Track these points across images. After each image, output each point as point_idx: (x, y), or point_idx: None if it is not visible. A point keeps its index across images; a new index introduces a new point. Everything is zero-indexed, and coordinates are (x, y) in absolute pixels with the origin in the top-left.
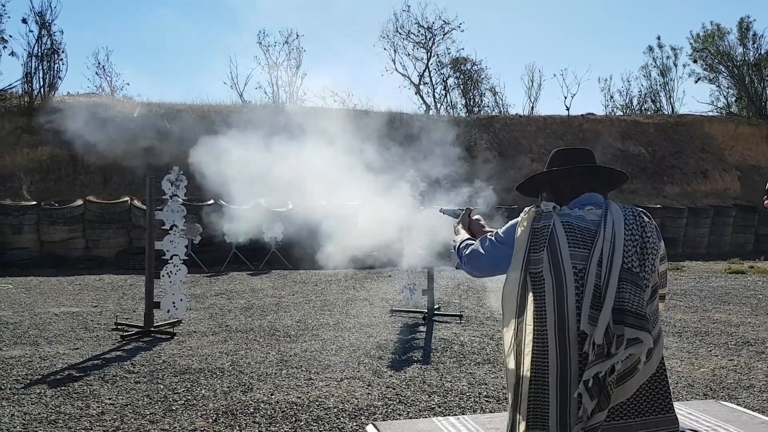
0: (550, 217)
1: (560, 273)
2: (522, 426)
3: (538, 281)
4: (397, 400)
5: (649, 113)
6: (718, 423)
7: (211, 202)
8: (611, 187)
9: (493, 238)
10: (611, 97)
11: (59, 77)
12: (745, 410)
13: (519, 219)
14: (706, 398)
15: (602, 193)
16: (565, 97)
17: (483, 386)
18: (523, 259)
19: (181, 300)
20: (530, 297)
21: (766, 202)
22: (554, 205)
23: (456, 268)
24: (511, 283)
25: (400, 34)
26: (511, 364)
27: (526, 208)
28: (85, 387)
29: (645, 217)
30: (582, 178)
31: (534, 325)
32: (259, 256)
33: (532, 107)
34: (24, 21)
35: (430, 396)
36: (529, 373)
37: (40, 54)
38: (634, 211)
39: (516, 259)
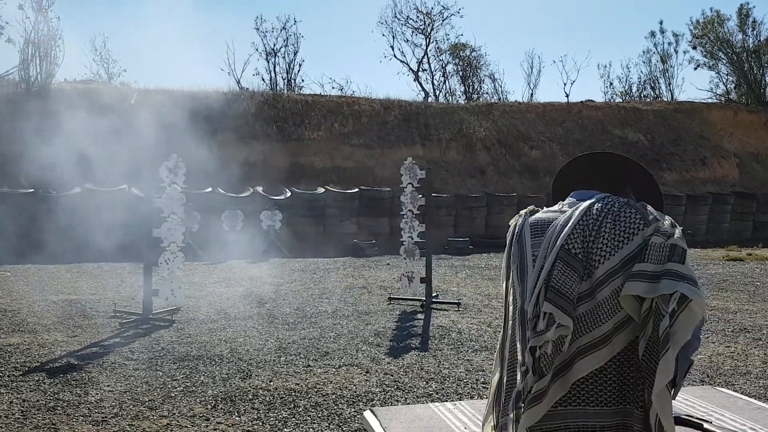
0: (524, 218)
1: (524, 262)
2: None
3: (509, 275)
4: (395, 387)
5: (648, 100)
6: (714, 409)
7: (209, 189)
8: (619, 177)
9: None
10: (611, 83)
11: (56, 64)
12: (741, 396)
13: None
14: (702, 385)
15: (610, 190)
16: (565, 84)
17: (480, 373)
18: (507, 263)
19: (180, 287)
20: (510, 295)
21: None
22: (533, 207)
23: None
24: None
25: (398, 19)
26: (497, 360)
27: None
28: (83, 374)
29: (627, 208)
30: (573, 174)
31: (512, 319)
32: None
33: (532, 94)
34: (20, 7)
35: (427, 382)
36: (500, 361)
37: (36, 40)
38: (612, 201)
39: (504, 258)
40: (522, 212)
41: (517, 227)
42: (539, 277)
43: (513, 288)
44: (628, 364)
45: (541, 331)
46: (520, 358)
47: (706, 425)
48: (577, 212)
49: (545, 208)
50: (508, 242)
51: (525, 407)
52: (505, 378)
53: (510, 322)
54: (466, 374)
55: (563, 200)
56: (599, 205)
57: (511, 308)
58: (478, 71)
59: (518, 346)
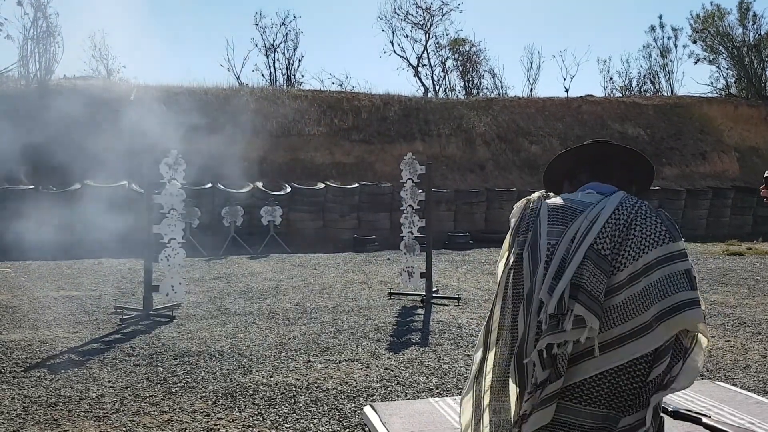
0: (539, 202)
1: (537, 248)
2: (486, 398)
3: (518, 260)
4: (395, 382)
5: (648, 95)
6: (713, 403)
7: (209, 185)
8: (633, 176)
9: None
10: (610, 78)
11: (55, 60)
12: (740, 390)
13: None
14: (701, 379)
15: (621, 187)
16: (564, 79)
17: None
18: (511, 244)
19: (180, 283)
20: (511, 277)
21: (763, 191)
22: (545, 193)
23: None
24: (500, 269)
25: (398, 15)
26: (481, 339)
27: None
28: (84, 370)
29: (655, 216)
30: (589, 162)
31: (512, 302)
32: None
33: (531, 89)
34: (19, 4)
35: (428, 377)
36: (497, 347)
37: (35, 37)
38: (638, 203)
39: (505, 245)
40: (533, 196)
41: (532, 211)
42: (560, 271)
43: (513, 270)
44: (626, 373)
45: (563, 330)
46: (520, 333)
47: (705, 419)
48: (604, 211)
49: (559, 195)
50: (515, 224)
51: (537, 408)
52: (490, 358)
53: (503, 302)
54: (467, 369)
55: (563, 188)
56: (627, 205)
57: (511, 291)
58: (478, 66)
59: (520, 325)
